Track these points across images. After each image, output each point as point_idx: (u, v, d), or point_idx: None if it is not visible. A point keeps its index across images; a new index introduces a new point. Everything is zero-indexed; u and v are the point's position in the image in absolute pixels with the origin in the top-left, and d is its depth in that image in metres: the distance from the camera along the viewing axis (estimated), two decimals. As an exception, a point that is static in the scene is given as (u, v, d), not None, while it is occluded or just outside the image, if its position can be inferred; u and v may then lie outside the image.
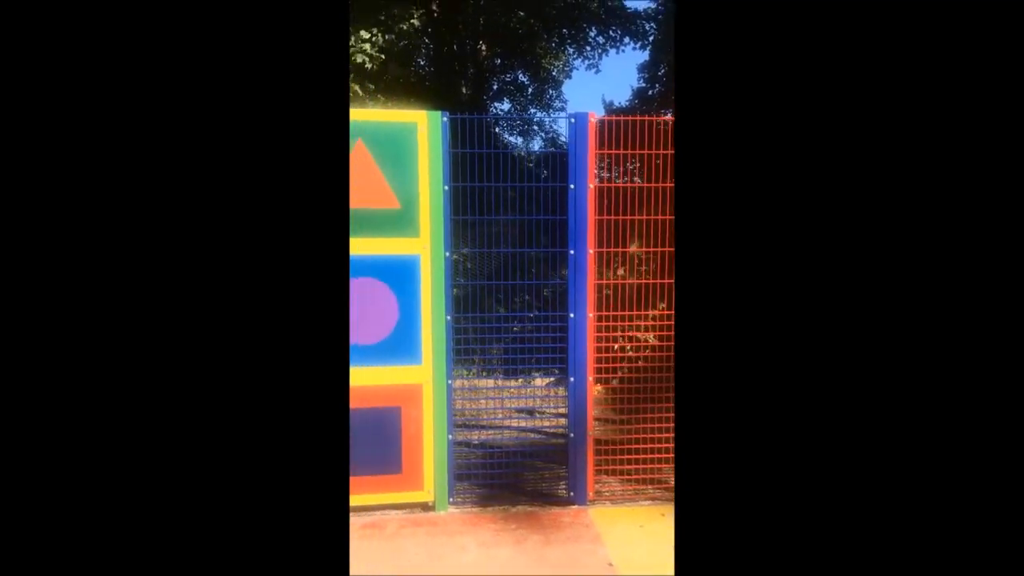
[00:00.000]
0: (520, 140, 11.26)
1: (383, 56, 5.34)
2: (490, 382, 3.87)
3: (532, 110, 11.48)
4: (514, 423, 3.84)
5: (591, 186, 2.82)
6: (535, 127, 11.20)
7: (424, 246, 2.75)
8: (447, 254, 2.78)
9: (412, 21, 5.77)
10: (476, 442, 3.44)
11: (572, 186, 2.81)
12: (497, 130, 9.77)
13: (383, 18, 5.59)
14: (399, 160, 2.70)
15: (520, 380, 4.09)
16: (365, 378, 2.74)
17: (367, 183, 2.68)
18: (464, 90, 8.96)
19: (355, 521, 2.72)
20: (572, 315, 2.85)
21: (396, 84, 6.31)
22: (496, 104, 11.08)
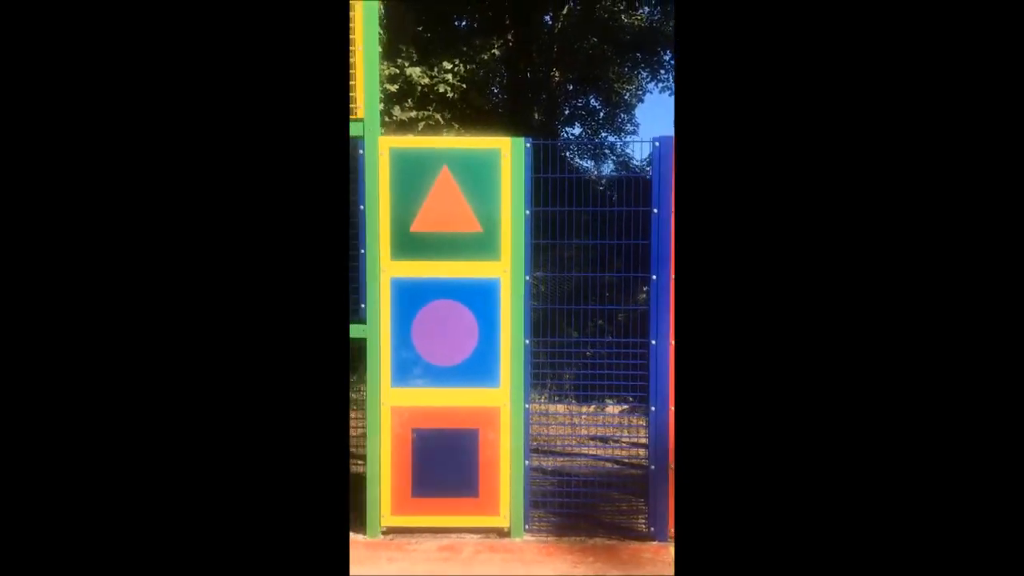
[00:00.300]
0: (592, 164, 11.26)
1: (464, 85, 5.53)
2: (562, 407, 3.81)
3: (603, 134, 11.47)
4: (587, 451, 3.76)
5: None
6: (607, 150, 11.17)
7: (505, 269, 2.77)
8: (527, 278, 2.79)
9: (493, 51, 5.96)
10: (550, 468, 3.39)
11: (656, 210, 2.76)
12: (567, 154, 9.82)
13: (465, 49, 5.81)
14: (482, 185, 2.76)
15: (593, 407, 4.01)
16: (444, 399, 2.77)
17: (451, 207, 2.75)
18: (536, 116, 9.10)
19: (432, 543, 2.73)
20: (653, 342, 2.78)
21: (470, 111, 6.51)
22: (567, 129, 11.16)
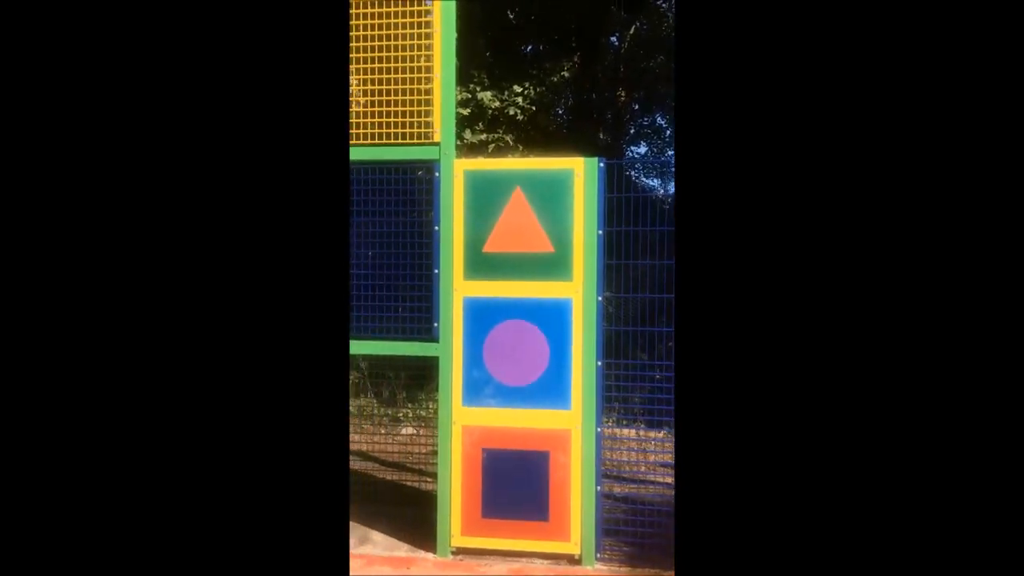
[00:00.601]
0: (658, 182, 11.09)
1: (533, 108, 5.62)
2: (631, 432, 3.71)
3: (670, 152, 11.29)
4: (659, 478, 3.62)
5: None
6: (673, 169, 10.98)
7: (576, 290, 2.75)
8: (599, 298, 2.75)
9: (563, 73, 6.03)
10: (620, 495, 3.29)
11: (734, 230, 2.67)
12: (632, 173, 9.70)
13: (534, 72, 5.92)
14: (554, 205, 2.76)
15: (663, 432, 3.87)
16: (515, 419, 2.76)
17: (522, 228, 2.76)
18: (601, 135, 9.08)
19: (501, 566, 2.70)
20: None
21: (536, 132, 6.59)
22: (633, 148, 11.05)
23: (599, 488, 2.75)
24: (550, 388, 2.75)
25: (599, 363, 2.74)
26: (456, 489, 2.77)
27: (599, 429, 2.75)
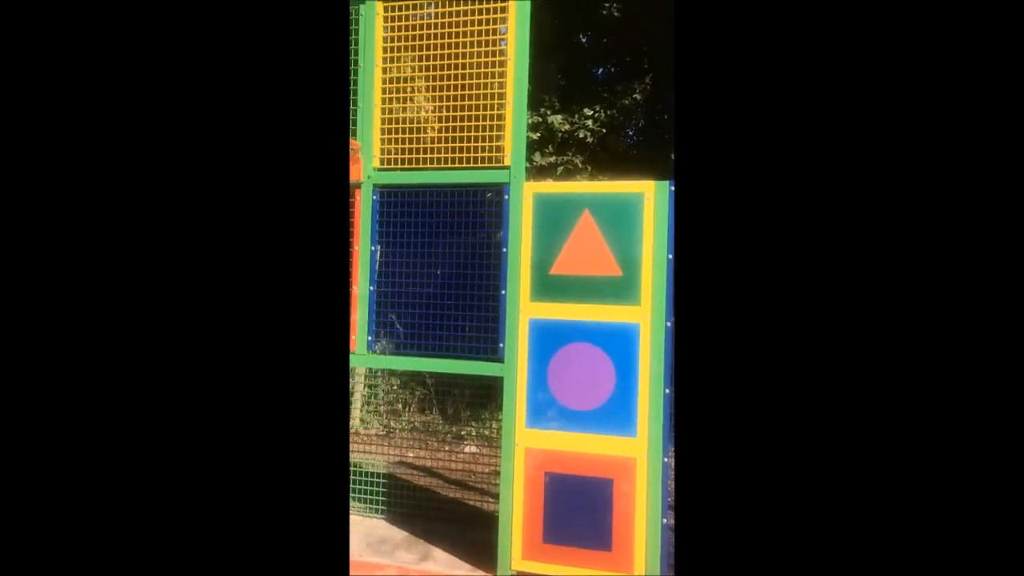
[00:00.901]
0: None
1: (604, 130, 5.62)
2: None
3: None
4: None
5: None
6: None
7: (644, 315, 2.69)
8: (668, 324, 2.68)
9: (635, 96, 6.02)
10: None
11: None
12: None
13: (606, 95, 5.94)
14: (624, 229, 2.73)
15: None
16: (579, 444, 2.72)
17: (590, 251, 2.76)
18: (672, 157, 8.93)
19: (561, 594, 2.65)
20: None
21: (605, 154, 6.59)
22: (705, 169, 10.78)
23: (665, 520, 2.65)
24: (615, 414, 2.70)
25: (667, 390, 2.67)
26: (518, 512, 2.75)
27: (666, 459, 2.66)
